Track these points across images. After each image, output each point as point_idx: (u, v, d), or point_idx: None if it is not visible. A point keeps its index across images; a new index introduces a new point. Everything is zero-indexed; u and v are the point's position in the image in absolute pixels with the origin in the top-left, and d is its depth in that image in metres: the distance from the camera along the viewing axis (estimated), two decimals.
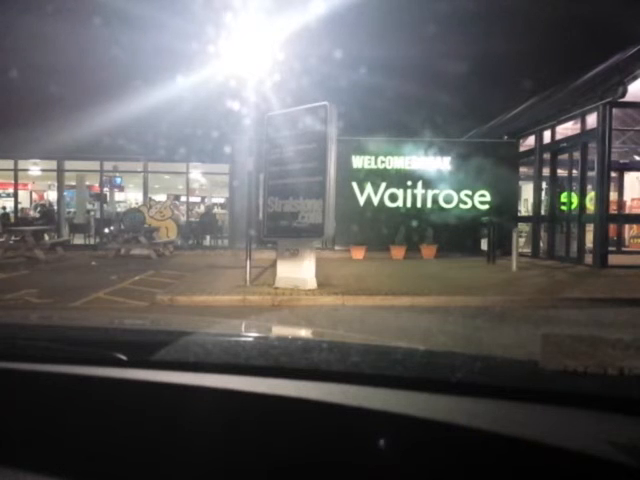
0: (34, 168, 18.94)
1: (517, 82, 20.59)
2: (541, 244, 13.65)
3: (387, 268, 11.39)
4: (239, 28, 9.74)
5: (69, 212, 19.01)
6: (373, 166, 14.62)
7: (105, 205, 19.16)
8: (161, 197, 20.90)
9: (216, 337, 1.17)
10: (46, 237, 15.10)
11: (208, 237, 17.83)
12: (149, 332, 1.30)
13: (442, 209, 14.47)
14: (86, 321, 1.64)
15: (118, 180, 20.97)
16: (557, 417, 0.76)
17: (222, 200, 23.05)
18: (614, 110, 11.06)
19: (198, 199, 24.53)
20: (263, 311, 6.63)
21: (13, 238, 13.65)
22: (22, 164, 17.63)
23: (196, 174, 19.75)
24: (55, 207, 18.44)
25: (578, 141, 11.99)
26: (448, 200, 14.56)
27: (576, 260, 11.52)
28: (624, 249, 14.34)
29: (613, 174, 12.98)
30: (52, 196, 20.48)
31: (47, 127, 14.50)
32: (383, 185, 14.56)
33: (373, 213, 14.45)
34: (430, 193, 14.59)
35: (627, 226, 15.24)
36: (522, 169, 15.49)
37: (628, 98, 10.45)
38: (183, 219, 17.70)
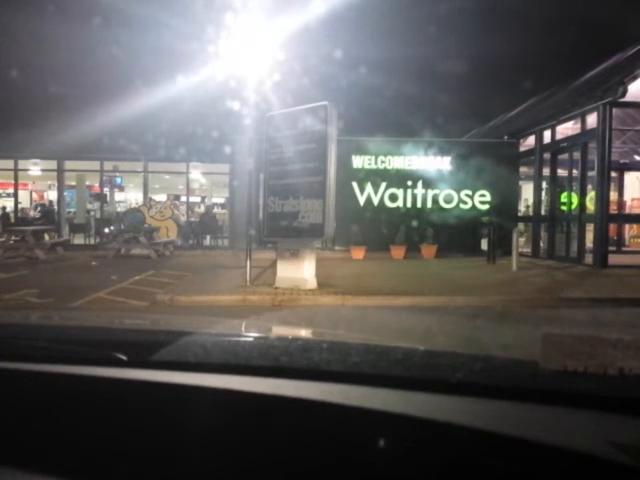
0: (34, 168, 18.93)
1: (517, 82, 20.60)
2: (541, 244, 13.65)
3: (387, 268, 11.39)
4: (239, 28, 9.73)
5: (69, 212, 19.00)
6: (373, 166, 14.61)
7: (105, 205, 19.15)
8: (161, 197, 20.90)
9: (216, 337, 1.17)
10: (46, 237, 15.09)
11: (208, 237, 17.83)
12: (149, 332, 1.30)
13: (442, 209, 14.46)
14: (86, 321, 1.64)
15: (118, 180, 20.97)
16: (557, 417, 0.76)
17: (222, 200, 23.05)
18: (614, 110, 11.05)
19: (198, 199, 24.52)
20: (263, 311, 6.63)
21: (13, 238, 13.65)
22: (22, 164, 17.62)
23: (196, 174, 19.74)
24: (55, 207, 18.43)
25: (578, 141, 11.99)
26: (448, 200, 14.56)
27: (576, 260, 11.52)
28: (624, 249, 14.34)
29: (613, 174, 12.97)
30: (52, 196, 20.47)
31: (47, 127, 14.50)
32: (383, 185, 14.55)
33: (373, 213, 14.44)
34: (430, 193, 14.58)
35: (627, 226, 15.24)
36: (522, 169, 15.49)
37: (628, 98, 10.45)
38: (183, 219, 17.69)
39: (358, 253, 13.54)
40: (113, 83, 15.72)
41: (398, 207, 14.54)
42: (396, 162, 14.61)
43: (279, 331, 1.40)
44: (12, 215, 18.25)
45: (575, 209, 12.16)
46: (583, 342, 0.93)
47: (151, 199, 18.10)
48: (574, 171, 12.32)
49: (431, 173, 14.53)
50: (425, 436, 0.75)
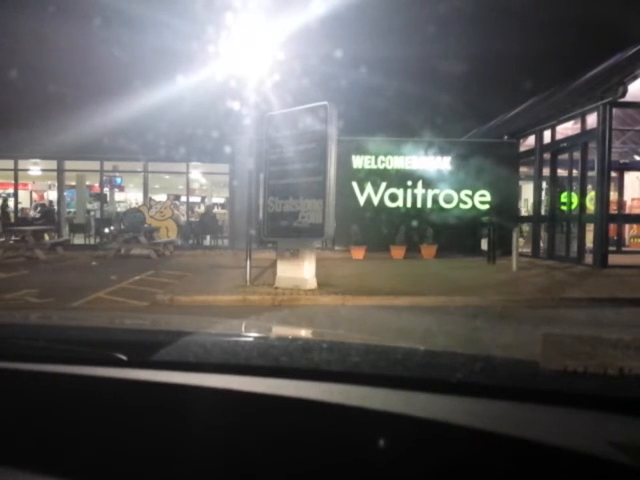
0: (34, 168, 18.94)
1: (517, 82, 20.61)
2: (541, 244, 13.65)
3: (387, 268, 11.39)
4: (239, 28, 9.74)
5: (69, 212, 19.01)
6: (373, 166, 14.61)
7: (105, 205, 19.16)
8: (161, 197, 20.90)
9: (216, 337, 1.17)
10: (46, 237, 15.09)
11: (208, 237, 17.83)
12: (149, 332, 1.30)
13: (442, 209, 14.46)
14: (86, 321, 1.64)
15: (118, 180, 20.97)
16: (557, 417, 0.76)
17: (222, 200, 23.05)
18: (614, 110, 11.05)
19: (198, 199, 24.52)
20: (263, 311, 6.63)
21: (13, 238, 13.65)
22: (22, 164, 17.63)
23: (196, 174, 19.74)
24: (55, 207, 18.44)
25: (578, 141, 11.99)
26: (448, 200, 14.56)
27: (576, 260, 11.52)
28: (624, 249, 14.33)
29: (613, 174, 12.97)
30: (52, 196, 20.48)
31: (47, 127, 14.51)
32: (383, 185, 14.56)
33: (373, 213, 14.44)
34: (430, 193, 14.59)
35: (627, 226, 15.24)
36: (522, 169, 15.49)
37: (628, 98, 10.45)
38: (183, 219, 17.70)
39: (358, 253, 13.54)
40: (113, 83, 15.72)
41: (398, 207, 14.54)
42: (396, 162, 14.62)
43: (279, 331, 1.40)
44: (12, 215, 18.26)
45: (575, 209, 12.16)
46: (583, 342, 0.93)
47: (151, 199, 18.11)
48: (574, 171, 12.32)
49: (431, 173, 14.53)
50: (425, 436, 0.75)
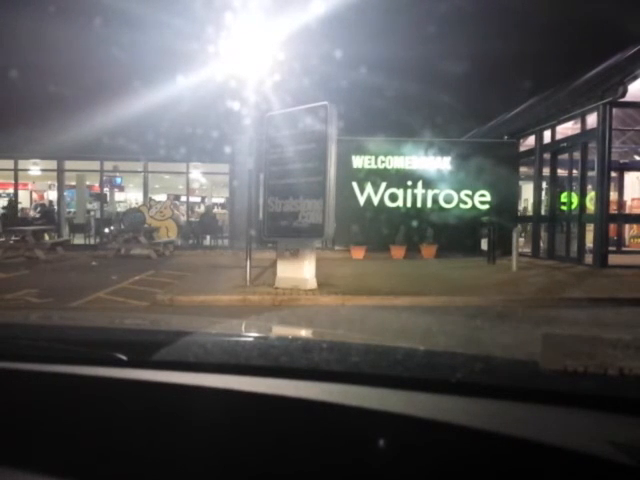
0: (34, 168, 18.94)
1: (517, 82, 20.62)
2: (541, 244, 13.65)
3: (387, 268, 11.39)
4: (239, 28, 9.74)
5: (69, 212, 19.00)
6: (373, 166, 14.61)
7: (105, 205, 19.16)
8: (161, 197, 20.90)
9: (216, 337, 1.17)
10: (46, 237, 15.09)
11: (208, 237, 17.82)
12: (149, 332, 1.30)
13: (442, 209, 14.45)
14: (86, 321, 1.64)
15: (118, 180, 20.98)
16: (557, 417, 0.76)
17: (222, 200, 23.05)
18: (614, 110, 11.05)
19: (198, 199, 24.51)
20: (263, 311, 6.63)
21: (13, 238, 13.64)
22: (22, 164, 17.62)
23: (196, 174, 19.74)
24: (55, 207, 18.44)
25: (578, 141, 11.99)
26: (448, 200, 14.55)
27: (576, 260, 11.52)
28: (624, 249, 14.33)
29: (613, 174, 12.97)
30: (52, 196, 20.48)
31: (47, 127, 14.51)
32: (383, 185, 14.55)
33: (373, 213, 14.44)
34: (430, 193, 14.58)
35: (627, 226, 15.23)
36: (522, 169, 15.49)
37: (628, 98, 10.45)
38: (183, 219, 17.69)
39: (358, 253, 13.54)
40: (113, 83, 15.72)
41: (398, 207, 14.54)
42: (396, 162, 14.61)
43: (279, 331, 1.40)
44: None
45: (575, 209, 12.16)
46: (583, 342, 0.93)
47: (151, 199, 18.11)
48: (574, 171, 12.33)
49: (431, 173, 14.52)
50: (425, 436, 0.75)
